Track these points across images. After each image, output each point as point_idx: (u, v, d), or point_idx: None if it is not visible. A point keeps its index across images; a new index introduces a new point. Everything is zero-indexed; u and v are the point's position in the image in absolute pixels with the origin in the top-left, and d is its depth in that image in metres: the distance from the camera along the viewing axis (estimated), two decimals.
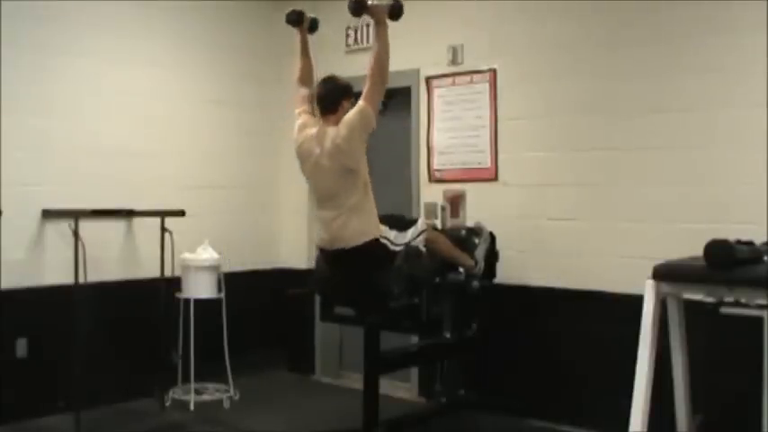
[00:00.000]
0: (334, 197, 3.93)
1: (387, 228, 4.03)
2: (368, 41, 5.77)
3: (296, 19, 4.33)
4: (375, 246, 3.93)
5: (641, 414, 3.16)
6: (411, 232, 4.13)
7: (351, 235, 3.90)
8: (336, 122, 3.90)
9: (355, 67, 5.80)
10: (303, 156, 4.04)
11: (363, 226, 3.90)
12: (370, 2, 3.84)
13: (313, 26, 4.45)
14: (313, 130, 4.00)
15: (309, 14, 4.43)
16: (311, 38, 4.45)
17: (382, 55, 3.83)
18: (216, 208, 5.79)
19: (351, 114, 3.85)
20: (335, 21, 5.96)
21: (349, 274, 4.05)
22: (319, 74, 6.03)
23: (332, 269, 4.12)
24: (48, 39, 4.96)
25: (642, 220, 4.47)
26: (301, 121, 4.12)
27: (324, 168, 3.92)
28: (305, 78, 4.33)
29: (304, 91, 4.27)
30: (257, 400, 5.42)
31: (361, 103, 3.84)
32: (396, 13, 3.91)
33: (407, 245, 4.09)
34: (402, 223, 4.17)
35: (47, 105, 4.97)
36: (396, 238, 4.03)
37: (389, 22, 3.87)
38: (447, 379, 4.91)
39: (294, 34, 4.42)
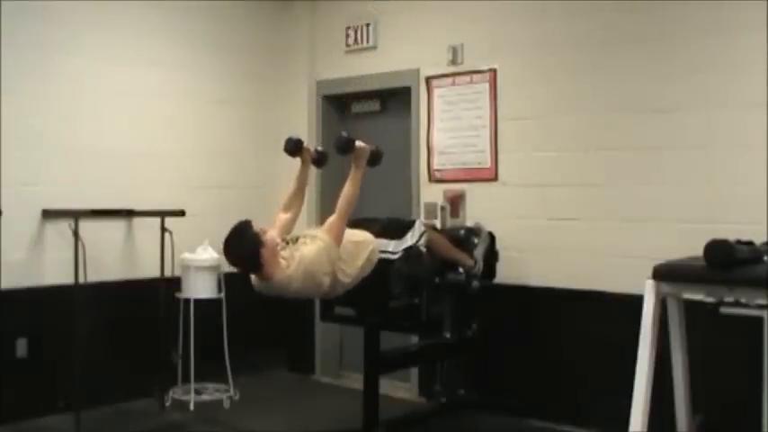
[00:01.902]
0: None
1: (385, 240, 4.02)
2: (368, 41, 5.77)
3: (292, 149, 4.05)
4: (376, 268, 3.95)
5: (641, 414, 3.17)
6: (409, 236, 4.13)
7: (347, 287, 3.89)
8: (273, 269, 3.61)
9: (355, 67, 5.84)
10: (261, 290, 3.80)
11: (355, 277, 3.87)
12: (357, 143, 3.88)
13: (320, 160, 4.18)
14: (263, 282, 3.70)
15: (319, 147, 4.28)
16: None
17: (354, 195, 3.83)
18: (216, 208, 5.78)
19: (314, 257, 3.62)
20: (335, 21, 5.98)
21: None
22: (320, 75, 6.09)
23: None
24: (48, 38, 4.96)
25: (642, 220, 4.47)
26: None
27: (290, 297, 3.87)
28: (289, 205, 4.05)
29: (283, 217, 3.98)
30: (257, 400, 5.42)
31: (325, 237, 3.68)
32: (375, 159, 3.97)
33: (408, 249, 4.10)
34: (399, 229, 4.16)
35: (47, 105, 4.96)
36: (395, 247, 4.04)
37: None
38: (447, 379, 4.91)
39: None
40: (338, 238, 3.73)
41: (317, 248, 3.65)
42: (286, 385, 5.92)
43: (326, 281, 3.71)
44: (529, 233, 4.91)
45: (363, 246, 3.92)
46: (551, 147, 4.85)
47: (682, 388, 3.68)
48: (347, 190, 3.83)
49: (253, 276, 3.74)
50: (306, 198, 4.21)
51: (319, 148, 4.26)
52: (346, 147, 3.86)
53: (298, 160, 4.12)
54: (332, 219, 3.78)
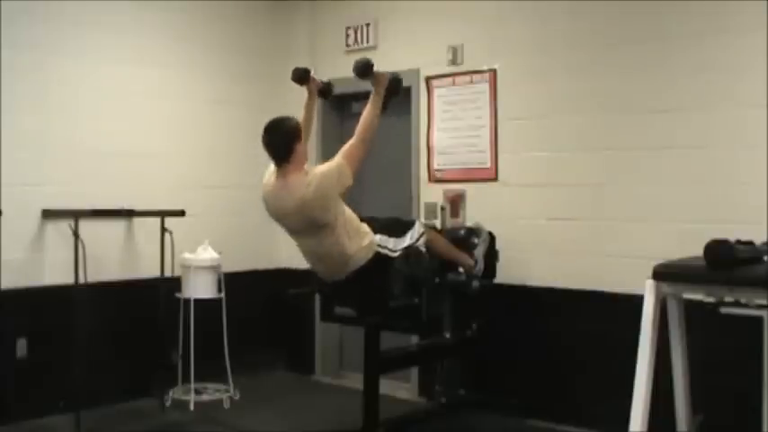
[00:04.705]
0: (310, 236, 3.85)
1: (385, 236, 4.01)
2: (368, 41, 5.77)
3: (299, 78, 4.16)
4: (374, 260, 3.92)
5: (641, 414, 3.16)
6: (409, 236, 4.12)
7: (346, 265, 3.87)
8: (295, 170, 3.72)
9: None
10: (269, 204, 3.89)
11: (354, 253, 3.85)
12: (376, 69, 3.87)
13: (326, 91, 4.29)
14: (279, 181, 3.77)
15: (323, 79, 4.31)
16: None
17: (374, 120, 3.83)
18: (216, 208, 5.79)
19: (326, 170, 3.70)
20: (336, 21, 5.98)
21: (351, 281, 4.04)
22: (319, 75, 6.08)
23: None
24: (47, 38, 4.96)
25: (642, 220, 4.47)
26: (272, 168, 3.88)
27: (294, 219, 3.82)
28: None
29: None
30: (257, 400, 5.42)
31: (339, 159, 3.73)
32: (395, 86, 3.96)
33: (407, 248, 4.10)
34: (400, 228, 4.16)
35: (47, 105, 4.96)
36: (395, 245, 4.03)
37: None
38: (447, 379, 4.91)
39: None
40: (353, 161, 3.74)
41: (330, 166, 3.72)
42: (286, 385, 5.92)
43: (331, 213, 3.70)
44: (529, 233, 4.91)
45: (365, 228, 3.93)
46: (551, 147, 4.86)
47: (682, 388, 3.68)
48: (366, 113, 3.84)
49: (269, 181, 3.82)
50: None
51: (325, 80, 4.31)
52: (365, 70, 3.85)
53: None
54: (349, 142, 3.80)
